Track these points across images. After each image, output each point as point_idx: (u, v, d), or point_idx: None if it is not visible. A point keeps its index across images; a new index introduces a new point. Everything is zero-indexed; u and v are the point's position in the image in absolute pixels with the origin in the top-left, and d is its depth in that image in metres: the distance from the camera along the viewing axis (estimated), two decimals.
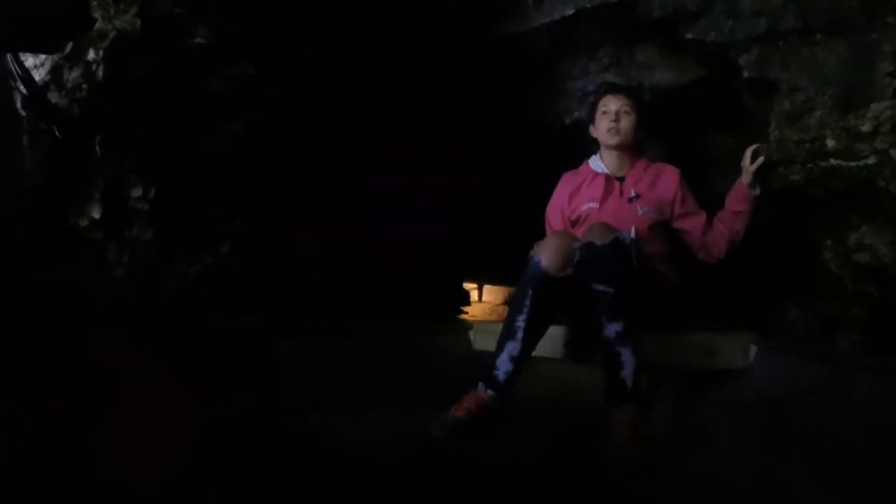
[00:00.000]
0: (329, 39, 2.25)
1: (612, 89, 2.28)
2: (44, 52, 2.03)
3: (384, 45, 2.33)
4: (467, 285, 3.82)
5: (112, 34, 2.06)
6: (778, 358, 2.04)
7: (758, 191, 2.09)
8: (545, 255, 1.92)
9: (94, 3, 2.02)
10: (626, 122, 2.21)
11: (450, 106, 2.61)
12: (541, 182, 2.45)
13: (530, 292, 1.91)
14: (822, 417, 1.70)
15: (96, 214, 2.11)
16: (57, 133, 2.09)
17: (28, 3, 1.78)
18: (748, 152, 2.09)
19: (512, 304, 1.99)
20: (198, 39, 2.08)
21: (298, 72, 2.25)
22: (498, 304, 5.43)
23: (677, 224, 2.24)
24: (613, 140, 2.22)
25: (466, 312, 3.50)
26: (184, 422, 1.43)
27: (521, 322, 1.89)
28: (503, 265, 3.53)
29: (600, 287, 1.82)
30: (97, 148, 2.11)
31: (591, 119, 2.30)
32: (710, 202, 2.27)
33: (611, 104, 2.22)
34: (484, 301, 5.45)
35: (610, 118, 2.21)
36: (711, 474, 1.61)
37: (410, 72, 2.47)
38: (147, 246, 2.08)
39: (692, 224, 2.22)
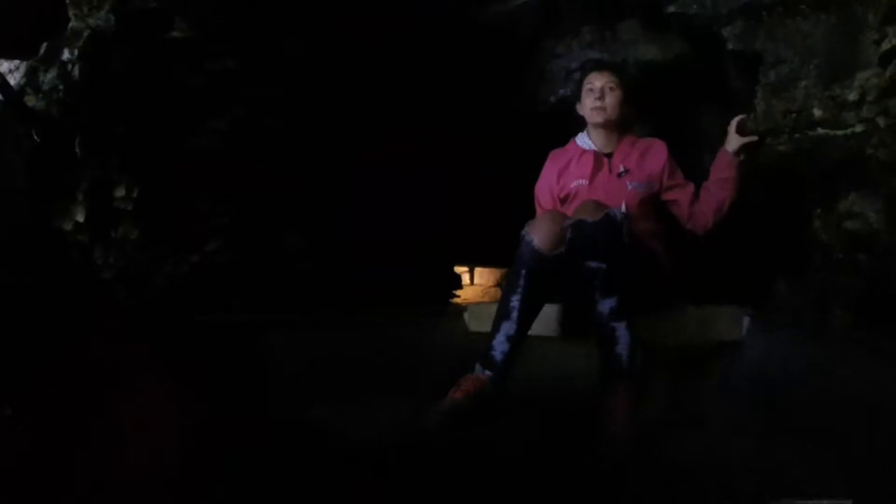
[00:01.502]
0: (312, 30, 2.22)
1: (596, 66, 2.25)
2: (20, 58, 1.99)
3: (368, 34, 2.30)
4: (458, 269, 3.80)
5: (86, 32, 2.02)
6: (771, 330, 2.04)
7: (742, 157, 2.08)
8: (537, 234, 1.90)
9: (68, 1, 1.99)
10: (612, 99, 2.19)
11: (436, 91, 2.59)
12: (529, 162, 2.44)
13: (524, 272, 1.89)
14: (816, 391, 1.70)
15: (80, 217, 2.09)
16: (36, 136, 2.06)
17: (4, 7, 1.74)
18: (735, 120, 2.08)
19: (506, 284, 1.97)
20: (175, 33, 2.04)
21: (282, 65, 2.22)
22: (490, 286, 5.39)
23: (665, 196, 2.23)
24: (599, 117, 2.21)
25: (458, 296, 3.47)
26: (177, 421, 1.42)
27: (515, 302, 1.87)
28: (494, 247, 3.53)
29: (593, 264, 1.81)
30: (78, 149, 2.08)
31: (577, 97, 2.29)
32: (698, 176, 2.26)
33: (595, 81, 2.20)
34: (476, 284, 5.41)
35: (595, 95, 2.19)
36: (707, 450, 1.60)
37: (395, 59, 2.44)
38: (133, 246, 2.06)
39: (680, 195, 2.21)
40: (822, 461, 1.42)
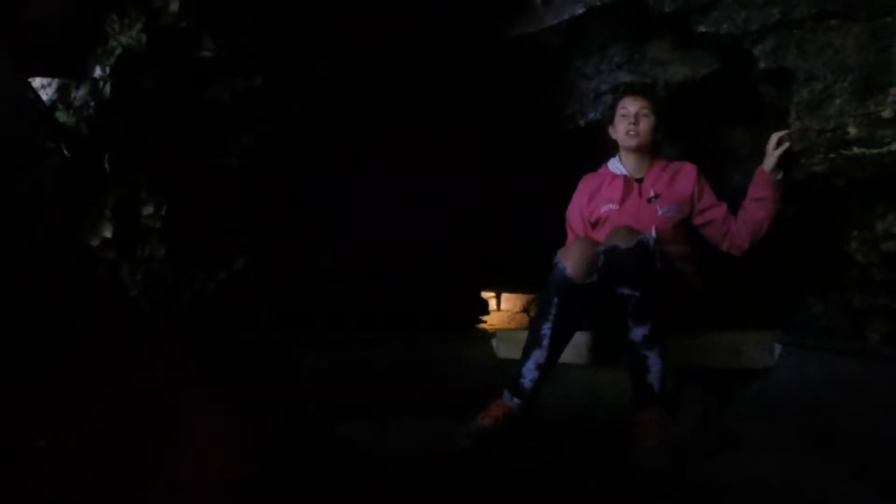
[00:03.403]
0: (339, 46, 2.23)
1: (630, 90, 2.25)
2: (59, 75, 2.02)
3: (394, 50, 2.31)
4: (485, 294, 3.79)
5: (118, 50, 2.04)
6: (803, 355, 1.99)
7: (780, 175, 2.05)
8: (569, 261, 1.89)
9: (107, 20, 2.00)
10: (645, 124, 2.18)
11: (464, 113, 2.58)
12: (557, 187, 2.42)
13: (556, 300, 1.88)
14: (851, 414, 1.65)
15: (108, 233, 2.09)
16: (66, 152, 2.07)
17: (41, 26, 1.76)
18: (774, 137, 2.05)
19: (537, 311, 1.96)
20: (204, 53, 2.05)
21: (310, 82, 2.23)
22: (517, 312, 5.40)
23: (698, 220, 2.20)
24: (632, 142, 2.19)
25: (485, 321, 3.46)
26: (208, 437, 1.41)
27: (546, 330, 1.87)
28: (521, 272, 3.51)
29: (626, 291, 1.79)
30: (107, 165, 2.09)
31: (610, 121, 2.27)
32: (729, 196, 2.23)
33: (630, 106, 2.19)
34: (503, 309, 5.41)
35: (629, 120, 2.18)
36: (740, 476, 1.57)
37: (423, 78, 2.44)
38: (161, 264, 2.06)
39: (713, 215, 2.19)
40: (863, 486, 1.37)
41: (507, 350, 2.42)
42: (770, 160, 2.05)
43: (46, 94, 2.07)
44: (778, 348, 2.08)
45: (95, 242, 2.07)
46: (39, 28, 1.77)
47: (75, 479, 1.12)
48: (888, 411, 1.54)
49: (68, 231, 2.01)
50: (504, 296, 5.39)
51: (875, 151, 1.89)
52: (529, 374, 1.85)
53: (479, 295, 3.41)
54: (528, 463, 1.68)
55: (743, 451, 1.81)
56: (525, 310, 5.41)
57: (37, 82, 2.06)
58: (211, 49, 2.06)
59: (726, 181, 2.37)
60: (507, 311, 5.42)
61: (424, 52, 2.38)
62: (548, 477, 1.58)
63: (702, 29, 2.13)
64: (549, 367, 1.87)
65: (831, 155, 1.95)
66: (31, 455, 1.15)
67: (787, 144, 2.02)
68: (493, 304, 5.22)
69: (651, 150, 2.25)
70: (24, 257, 1.63)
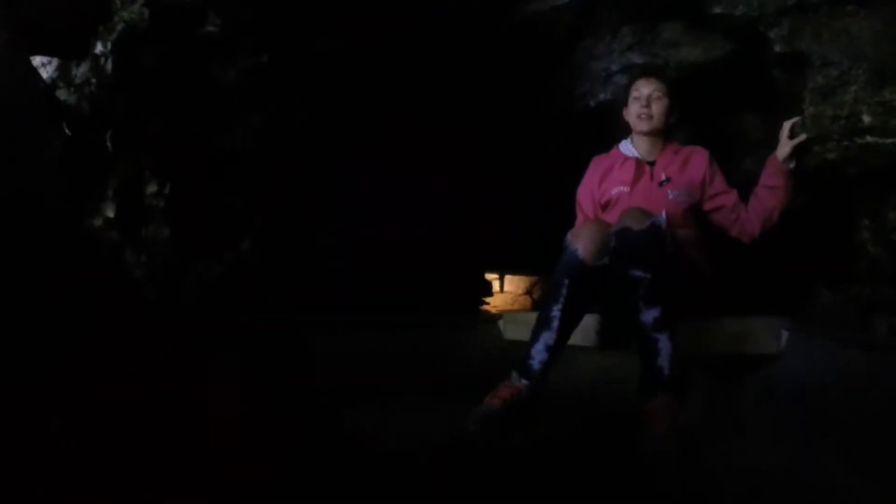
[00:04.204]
0: (345, 27, 2.18)
1: (644, 73, 2.21)
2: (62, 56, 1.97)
3: (404, 31, 2.26)
4: (489, 275, 3.78)
5: (120, 26, 1.99)
6: (810, 343, 2.00)
7: (793, 164, 2.04)
8: (581, 243, 1.87)
9: None
10: (658, 108, 2.15)
11: (471, 94, 2.54)
12: (561, 169, 2.39)
13: (566, 281, 1.86)
14: (856, 403, 1.66)
15: (110, 213, 2.06)
16: (67, 130, 2.03)
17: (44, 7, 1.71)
18: (786, 125, 2.02)
19: (547, 293, 1.94)
20: (209, 28, 2.00)
21: (317, 63, 2.18)
22: (520, 294, 5.40)
23: (708, 205, 2.19)
24: (645, 126, 2.16)
25: (489, 303, 3.45)
26: (215, 420, 1.40)
27: (556, 311, 1.85)
28: (524, 254, 3.49)
29: (637, 273, 1.78)
30: (109, 144, 2.05)
31: (624, 103, 2.25)
32: (740, 182, 2.21)
33: (643, 88, 2.15)
34: (506, 291, 5.41)
35: (641, 103, 2.15)
36: (747, 462, 1.58)
37: (431, 59, 2.40)
38: (165, 245, 2.03)
39: (723, 201, 2.17)
40: (865, 473, 1.38)
41: (514, 332, 2.42)
42: (784, 149, 2.02)
43: (47, 72, 2.02)
44: (785, 335, 2.08)
45: (98, 223, 2.04)
46: (42, 5, 1.71)
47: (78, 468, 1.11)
48: (892, 402, 1.54)
49: (71, 212, 1.98)
50: (507, 277, 5.38)
51: (889, 141, 1.87)
52: (538, 355, 1.84)
53: (483, 277, 3.40)
54: (535, 446, 1.68)
55: (749, 437, 1.82)
56: (528, 292, 5.42)
57: (37, 60, 2.01)
58: (216, 25, 2.01)
59: (737, 166, 2.35)
60: (511, 292, 5.41)
61: (431, 32, 2.33)
62: (556, 461, 1.58)
63: (717, 10, 2.10)
64: (557, 349, 1.86)
65: (844, 142, 1.93)
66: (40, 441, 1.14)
67: (803, 136, 2.00)
68: (496, 285, 5.21)
69: (664, 134, 2.22)
70: (27, 240, 1.61)
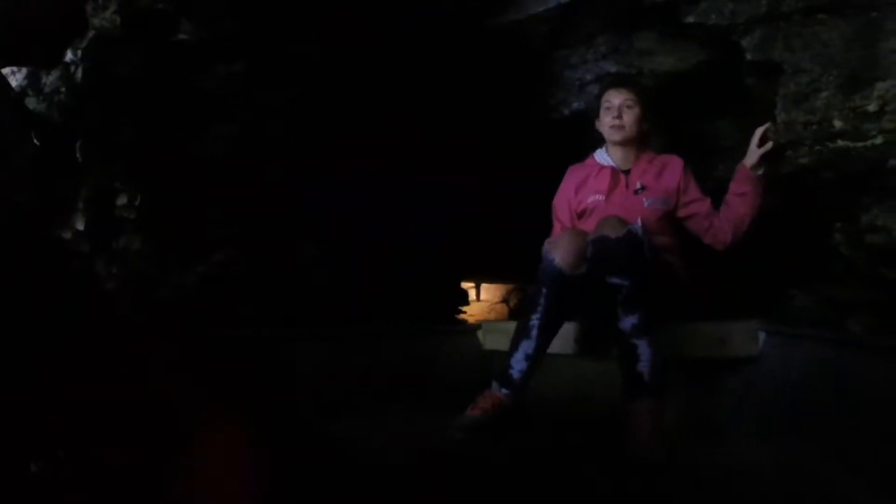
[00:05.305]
0: (323, 33, 2.16)
1: (614, 83, 2.23)
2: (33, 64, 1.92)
3: (378, 39, 2.25)
4: (465, 284, 3.77)
5: (90, 33, 1.95)
6: (787, 343, 2.02)
7: (761, 171, 2.06)
8: (559, 252, 1.89)
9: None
10: (630, 117, 2.17)
11: (446, 103, 2.54)
12: (537, 178, 2.40)
13: (545, 291, 1.89)
14: (834, 401, 1.69)
15: (80, 225, 2.01)
16: (35, 140, 1.98)
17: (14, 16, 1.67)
18: (758, 132, 2.05)
19: (526, 302, 1.96)
20: (182, 35, 1.97)
21: (292, 69, 2.16)
22: (496, 302, 5.41)
23: (682, 212, 2.21)
24: (617, 136, 2.18)
25: (465, 312, 3.45)
26: (195, 437, 1.37)
27: (535, 321, 1.88)
28: (500, 263, 3.50)
29: (616, 280, 1.80)
30: (79, 154, 2.01)
31: (596, 114, 2.26)
32: (713, 189, 2.23)
33: (613, 99, 2.17)
34: (482, 299, 5.41)
35: (613, 114, 2.16)
36: (730, 463, 1.61)
37: (406, 67, 2.39)
38: (137, 256, 1.98)
39: (696, 209, 2.20)
40: (847, 470, 1.40)
41: (493, 342, 2.42)
42: (752, 157, 2.05)
43: (16, 81, 1.98)
44: (762, 337, 2.11)
45: (68, 235, 1.99)
46: (12, 13, 1.67)
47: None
48: (870, 399, 1.56)
49: (41, 223, 1.93)
50: (483, 286, 5.39)
51: (860, 145, 1.90)
52: (518, 364, 1.86)
53: (460, 286, 3.40)
54: (519, 454, 1.69)
55: (731, 438, 1.84)
56: (505, 300, 5.44)
57: (6, 69, 1.96)
58: (189, 32, 1.98)
59: (711, 173, 2.37)
60: (487, 301, 5.42)
61: (409, 39, 2.32)
62: (540, 467, 1.59)
63: (690, 19, 2.13)
64: (537, 358, 1.88)
65: (817, 147, 1.96)
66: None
67: (769, 144, 2.03)
68: (472, 294, 5.21)
69: (638, 142, 2.24)
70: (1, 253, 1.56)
